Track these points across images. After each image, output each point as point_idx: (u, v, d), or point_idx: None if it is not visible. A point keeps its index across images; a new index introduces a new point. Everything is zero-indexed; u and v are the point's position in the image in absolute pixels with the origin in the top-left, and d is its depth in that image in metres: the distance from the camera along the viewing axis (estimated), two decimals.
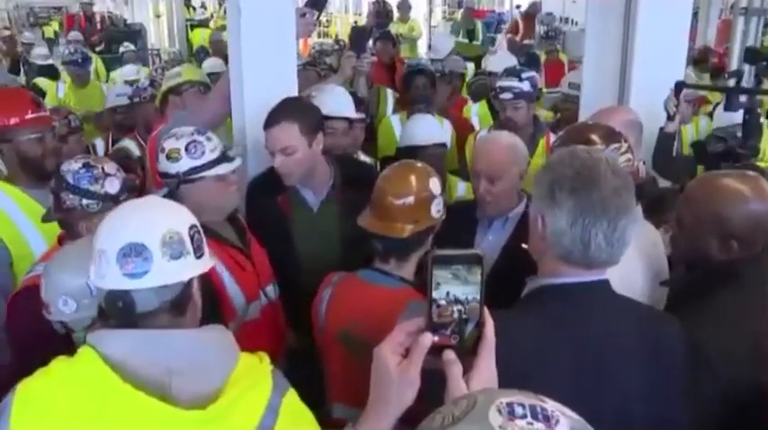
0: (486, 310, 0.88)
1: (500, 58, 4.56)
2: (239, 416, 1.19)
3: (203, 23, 11.50)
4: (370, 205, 1.93)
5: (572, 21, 11.06)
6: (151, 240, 1.24)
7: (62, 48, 7.91)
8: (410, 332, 0.90)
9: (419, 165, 1.99)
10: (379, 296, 1.84)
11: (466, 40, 8.21)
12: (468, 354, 0.88)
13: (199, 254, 1.31)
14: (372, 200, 1.92)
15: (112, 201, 1.99)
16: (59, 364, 1.19)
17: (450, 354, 0.87)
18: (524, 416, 0.61)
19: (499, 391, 0.65)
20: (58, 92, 5.65)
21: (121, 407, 1.13)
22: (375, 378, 0.92)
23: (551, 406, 0.63)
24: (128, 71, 5.63)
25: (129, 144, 3.63)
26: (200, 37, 9.55)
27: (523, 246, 2.17)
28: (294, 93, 2.60)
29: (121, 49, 8.10)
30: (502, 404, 0.63)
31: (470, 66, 6.12)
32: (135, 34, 10.53)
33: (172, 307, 1.26)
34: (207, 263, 1.35)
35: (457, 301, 0.86)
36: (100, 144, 4.00)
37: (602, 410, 1.26)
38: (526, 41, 8.85)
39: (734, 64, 3.55)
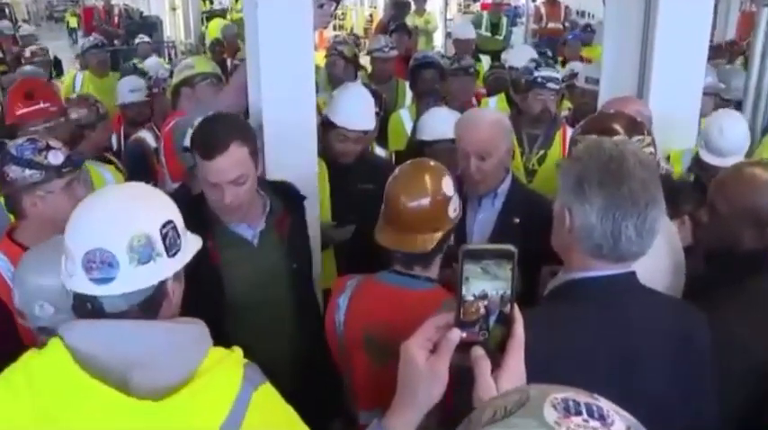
0: (516, 307, 0.87)
1: (520, 52, 4.51)
2: (202, 408, 1.14)
3: (221, 14, 11.47)
4: (383, 213, 1.84)
5: (588, 14, 10.99)
6: (117, 246, 1.16)
7: (81, 40, 7.97)
8: (439, 327, 0.89)
9: (431, 164, 1.87)
10: (408, 299, 1.76)
11: (488, 34, 8.15)
12: (497, 351, 0.87)
13: (173, 251, 1.23)
14: (385, 205, 1.83)
15: (55, 172, 2.03)
16: (29, 356, 1.15)
17: (478, 351, 0.86)
18: (580, 413, 0.59)
19: (552, 387, 0.63)
20: (75, 83, 5.69)
21: (80, 397, 1.10)
22: (402, 372, 0.91)
23: (606, 405, 0.62)
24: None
25: (146, 135, 3.64)
26: (216, 28, 9.54)
27: (515, 220, 2.17)
28: (311, 84, 2.57)
29: (137, 41, 8.14)
30: (556, 399, 0.61)
31: (486, 59, 6.09)
32: (151, 26, 10.61)
33: (141, 308, 1.20)
34: (184, 258, 1.26)
35: (486, 297, 0.85)
36: (113, 139, 4.01)
37: (636, 403, 1.25)
38: (552, 25, 8.80)
39: (756, 58, 3.48)
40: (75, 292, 1.21)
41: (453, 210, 1.81)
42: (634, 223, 1.27)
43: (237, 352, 1.23)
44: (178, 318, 1.25)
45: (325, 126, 2.82)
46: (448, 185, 1.79)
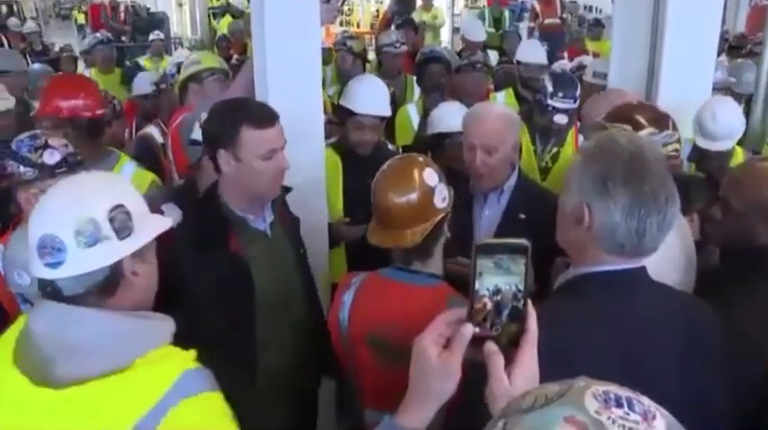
0: (529, 302, 0.86)
1: (529, 48, 4.47)
2: (118, 403, 1.13)
3: (238, 14, 11.40)
4: (374, 212, 1.83)
5: (596, 9, 10.94)
6: (63, 230, 1.21)
7: (88, 37, 8.02)
8: (451, 322, 0.89)
9: (411, 158, 1.87)
10: (412, 295, 1.75)
11: (492, 29, 8.12)
12: (510, 346, 0.86)
13: (124, 234, 1.25)
14: (375, 205, 1.82)
15: (48, 171, 2.04)
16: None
17: (491, 346, 0.86)
18: (621, 406, 0.60)
19: (594, 381, 0.64)
20: None
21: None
22: (415, 368, 0.90)
23: (647, 401, 0.62)
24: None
25: (153, 131, 3.65)
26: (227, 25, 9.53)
27: (521, 216, 2.16)
28: (318, 79, 2.57)
29: (151, 37, 8.17)
30: (598, 391, 0.62)
31: (494, 54, 6.06)
32: (158, 23, 10.62)
33: (99, 290, 1.24)
34: (138, 241, 1.28)
35: (499, 292, 0.84)
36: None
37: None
38: (548, 21, 8.77)
39: None
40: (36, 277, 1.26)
41: (442, 199, 1.78)
42: (657, 220, 1.27)
43: (188, 354, 1.22)
44: (143, 312, 1.27)
45: (342, 117, 2.84)
46: (431, 176, 1.77)
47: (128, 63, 6.00)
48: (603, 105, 2.30)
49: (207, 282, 1.88)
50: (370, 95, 2.79)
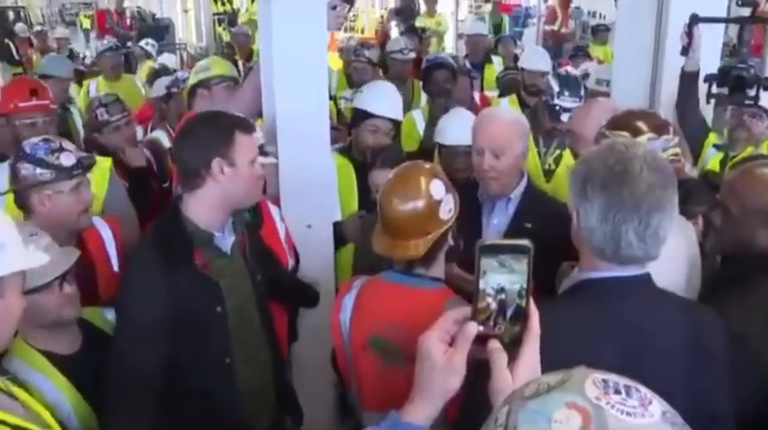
0: (531, 301, 0.88)
1: (533, 54, 4.48)
2: None
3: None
4: (379, 217, 1.83)
5: (600, 15, 10.95)
6: None
7: (93, 42, 8.08)
8: (456, 320, 0.91)
9: (420, 168, 1.84)
10: (415, 298, 1.75)
11: (492, 35, 8.15)
12: (513, 345, 0.88)
13: None
14: (380, 211, 1.81)
15: (65, 173, 2.10)
16: None
17: (495, 344, 0.88)
18: (619, 392, 0.64)
19: (593, 370, 0.68)
20: (90, 90, 5.68)
21: None
22: (420, 365, 0.92)
23: (644, 389, 0.66)
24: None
25: (161, 135, 3.68)
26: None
27: (527, 225, 2.17)
28: (324, 85, 2.60)
29: (141, 43, 8.20)
30: (597, 379, 0.66)
31: (498, 60, 6.09)
32: (163, 29, 10.68)
33: None
34: None
35: (503, 291, 0.86)
36: (138, 131, 4.06)
37: None
38: (564, 30, 8.73)
39: None
40: None
41: (448, 211, 1.77)
42: (635, 227, 1.27)
43: None
44: None
45: (356, 120, 2.87)
46: (437, 188, 1.76)
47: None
48: (587, 114, 2.35)
49: (173, 303, 1.78)
50: (387, 99, 2.85)
